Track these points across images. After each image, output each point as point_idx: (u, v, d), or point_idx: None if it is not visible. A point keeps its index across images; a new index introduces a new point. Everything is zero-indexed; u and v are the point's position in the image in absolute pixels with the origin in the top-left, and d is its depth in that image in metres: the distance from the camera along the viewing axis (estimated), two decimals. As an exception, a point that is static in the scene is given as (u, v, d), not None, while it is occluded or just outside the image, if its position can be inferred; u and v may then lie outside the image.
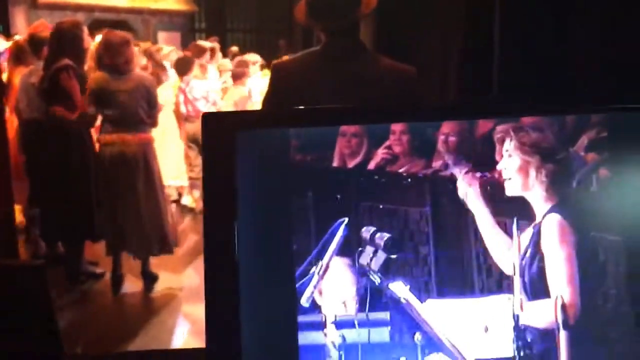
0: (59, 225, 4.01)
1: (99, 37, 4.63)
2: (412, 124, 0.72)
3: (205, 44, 6.31)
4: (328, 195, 0.70)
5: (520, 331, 0.69)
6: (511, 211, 0.71)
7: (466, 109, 0.73)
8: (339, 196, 0.70)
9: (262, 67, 6.02)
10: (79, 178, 3.85)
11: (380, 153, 0.71)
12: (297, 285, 0.69)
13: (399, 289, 0.69)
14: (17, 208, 4.24)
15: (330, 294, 0.70)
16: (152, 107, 3.83)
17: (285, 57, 3.36)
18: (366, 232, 0.70)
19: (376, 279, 0.69)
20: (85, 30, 4.07)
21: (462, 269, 0.70)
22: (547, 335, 0.70)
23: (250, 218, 0.69)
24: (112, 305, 4.02)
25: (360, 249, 0.70)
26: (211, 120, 0.70)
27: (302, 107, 0.72)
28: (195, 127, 5.33)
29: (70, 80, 3.77)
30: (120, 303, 4.04)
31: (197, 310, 3.69)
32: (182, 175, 5.52)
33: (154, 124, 3.91)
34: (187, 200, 5.73)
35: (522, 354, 0.69)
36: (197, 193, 5.54)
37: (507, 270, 0.71)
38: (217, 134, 0.70)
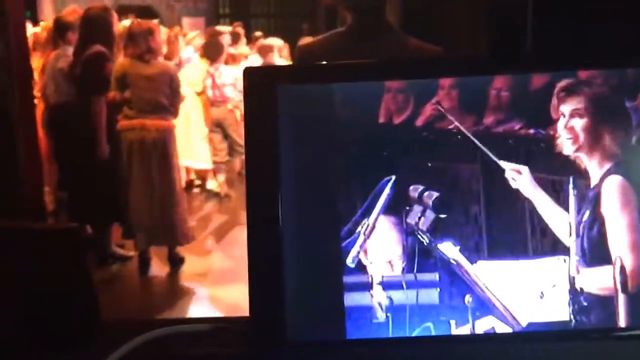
0: (87, 208, 4.06)
1: (125, 22, 4.66)
2: (462, 78, 0.68)
3: (223, 28, 6.30)
4: (374, 153, 0.67)
5: (576, 295, 0.66)
6: (566, 170, 0.67)
7: (518, 62, 0.70)
8: (385, 153, 0.67)
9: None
10: (106, 161, 3.89)
11: (429, 109, 0.68)
12: (342, 245, 0.67)
13: (449, 249, 0.66)
14: (46, 191, 4.31)
15: (376, 254, 0.67)
16: (174, 95, 3.84)
17: (308, 38, 3.33)
18: (414, 190, 0.67)
19: (425, 239, 0.67)
20: (115, 15, 4.11)
21: (514, 229, 0.67)
22: (605, 301, 0.66)
23: (293, 175, 0.67)
24: (139, 288, 4.07)
25: (407, 208, 0.67)
26: (253, 75, 0.68)
27: (345, 62, 0.69)
28: (221, 111, 5.34)
29: (107, 67, 3.82)
30: (148, 285, 4.09)
31: (223, 293, 3.71)
32: (207, 159, 5.54)
33: (175, 113, 3.92)
34: (212, 185, 5.76)
35: (578, 318, 0.66)
36: (222, 177, 5.56)
37: (564, 234, 0.67)
38: (259, 89, 0.68)
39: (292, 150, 0.68)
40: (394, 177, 0.67)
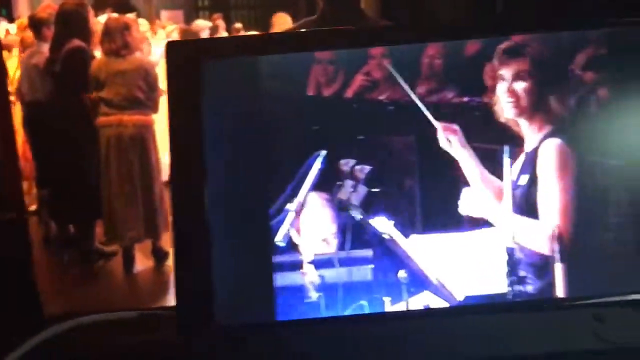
0: (69, 206, 4.01)
1: (101, 18, 4.60)
2: (393, 47, 0.66)
3: (201, 23, 6.21)
4: (303, 127, 0.65)
5: (513, 266, 0.64)
6: (503, 137, 0.65)
7: (451, 28, 0.67)
8: (315, 127, 0.65)
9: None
10: (86, 158, 3.84)
11: (359, 79, 0.65)
12: (271, 224, 0.64)
13: (382, 224, 0.64)
14: (27, 190, 4.26)
15: (308, 232, 0.65)
16: (152, 90, 3.77)
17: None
18: (345, 165, 0.65)
19: (357, 215, 0.64)
20: (91, 10, 4.04)
21: (450, 202, 0.65)
22: (543, 269, 0.64)
23: (219, 154, 0.65)
24: (124, 283, 4.03)
25: (339, 183, 0.65)
26: (175, 49, 0.65)
27: (273, 32, 0.66)
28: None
29: (88, 62, 3.76)
30: (133, 281, 4.05)
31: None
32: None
33: (154, 107, 3.86)
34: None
35: (515, 289, 0.64)
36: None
37: (497, 207, 0.65)
38: (182, 64, 0.65)
39: (218, 128, 0.65)
40: (324, 152, 0.65)
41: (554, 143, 0.65)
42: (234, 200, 0.64)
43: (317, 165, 0.64)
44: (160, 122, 4.32)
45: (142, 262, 4.07)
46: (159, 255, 4.06)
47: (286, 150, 0.65)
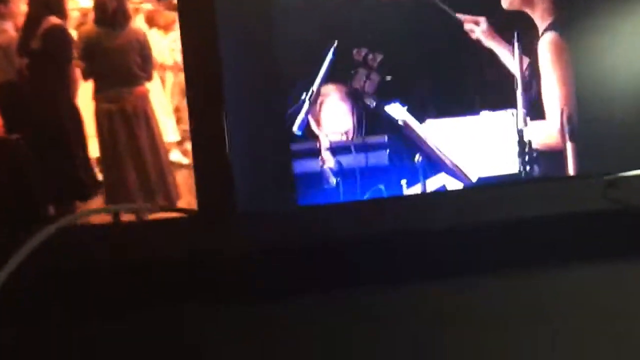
0: (49, 186, 3.96)
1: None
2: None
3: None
4: (314, 19, 0.65)
5: (524, 146, 0.66)
6: (513, 24, 0.67)
7: None
8: (326, 18, 0.65)
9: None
10: (67, 137, 3.78)
11: (369, -30, 0.66)
12: (287, 113, 0.65)
13: (396, 110, 0.65)
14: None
15: (324, 120, 0.66)
16: (146, 61, 3.73)
17: None
18: (358, 54, 0.65)
19: (371, 102, 0.65)
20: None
21: (463, 86, 0.66)
22: (553, 150, 0.66)
23: (233, 50, 0.65)
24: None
25: (352, 72, 0.66)
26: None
27: None
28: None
29: (68, 40, 3.69)
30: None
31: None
32: (175, 132, 5.42)
33: (149, 77, 3.82)
34: (176, 156, 5.66)
35: (527, 168, 0.66)
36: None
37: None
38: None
39: (231, 25, 0.65)
40: (336, 42, 0.65)
41: (550, 37, 0.66)
42: (251, 93, 0.65)
43: (329, 55, 0.65)
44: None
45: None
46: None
47: (299, 42, 0.65)
